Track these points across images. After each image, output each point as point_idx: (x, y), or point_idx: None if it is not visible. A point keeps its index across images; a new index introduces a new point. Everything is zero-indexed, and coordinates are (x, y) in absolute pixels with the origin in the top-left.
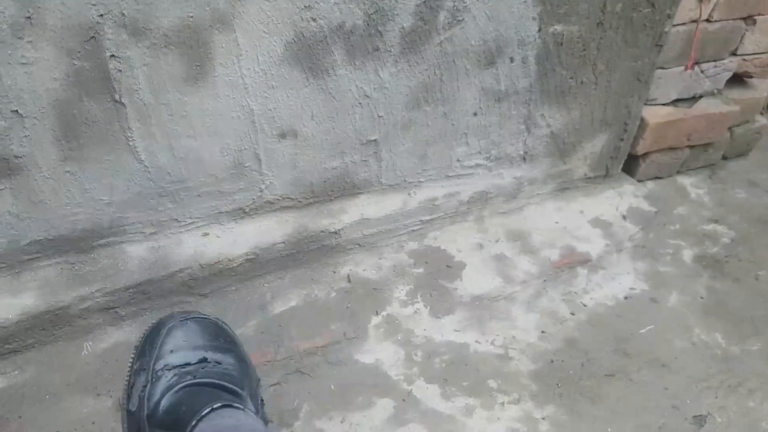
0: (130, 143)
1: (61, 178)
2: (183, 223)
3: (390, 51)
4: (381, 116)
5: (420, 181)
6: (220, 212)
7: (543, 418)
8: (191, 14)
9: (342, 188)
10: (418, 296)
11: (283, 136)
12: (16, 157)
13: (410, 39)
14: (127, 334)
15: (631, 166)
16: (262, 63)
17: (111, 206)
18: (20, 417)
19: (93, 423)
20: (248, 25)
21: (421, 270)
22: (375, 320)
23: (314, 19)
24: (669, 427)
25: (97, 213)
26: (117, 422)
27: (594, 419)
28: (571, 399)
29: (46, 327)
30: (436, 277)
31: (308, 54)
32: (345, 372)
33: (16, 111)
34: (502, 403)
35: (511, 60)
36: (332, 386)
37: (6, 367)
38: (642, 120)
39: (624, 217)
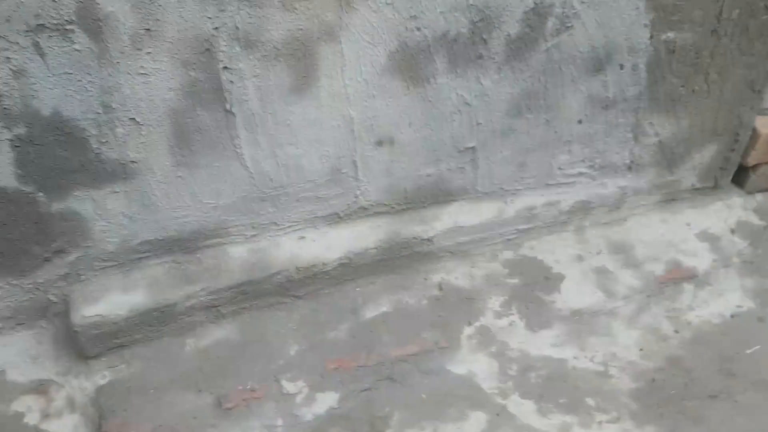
0: (238, 150)
1: (173, 183)
2: (281, 227)
3: (493, 58)
4: (480, 123)
5: (517, 189)
6: (317, 217)
7: None
8: (301, 26)
9: (436, 195)
10: (513, 308)
11: (380, 143)
12: (132, 162)
13: (515, 46)
14: (228, 332)
15: (740, 177)
16: (364, 73)
17: (217, 210)
18: (125, 410)
19: (194, 418)
20: (354, 36)
21: (516, 281)
22: (468, 330)
23: (419, 29)
24: None
25: (205, 216)
26: (217, 419)
27: None
28: (672, 419)
29: (153, 323)
30: (533, 288)
31: (410, 63)
32: (437, 382)
33: (134, 119)
34: (600, 422)
35: (621, 67)
36: (424, 395)
37: (114, 361)
38: (754, 130)
39: (732, 231)
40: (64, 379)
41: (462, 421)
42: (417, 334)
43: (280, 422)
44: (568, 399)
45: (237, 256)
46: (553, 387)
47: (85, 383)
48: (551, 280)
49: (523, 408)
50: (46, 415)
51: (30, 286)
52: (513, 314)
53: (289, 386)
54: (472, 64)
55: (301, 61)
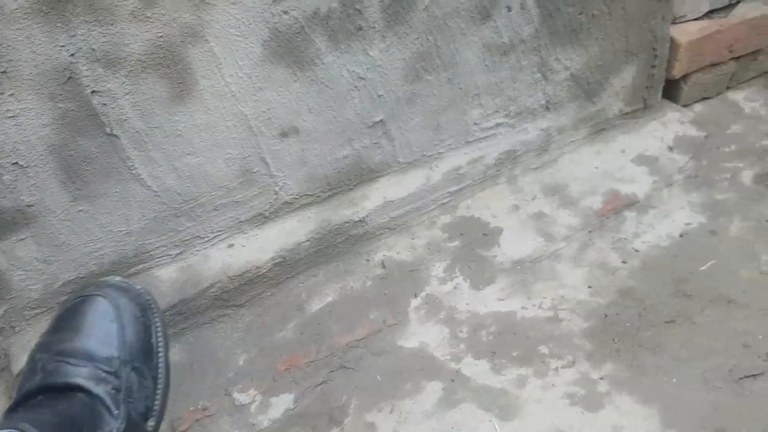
0: (133, 172)
1: (77, 218)
2: (206, 239)
3: (374, 27)
4: (381, 95)
5: (440, 153)
6: (241, 221)
7: (601, 378)
8: (160, 34)
9: (359, 175)
10: (457, 270)
11: (284, 135)
12: (29, 206)
13: (392, 11)
14: (171, 355)
15: (672, 91)
16: (243, 67)
17: (131, 235)
18: None
19: None
20: (220, 32)
21: (456, 243)
22: (414, 303)
23: (286, 12)
24: (741, 367)
25: (120, 244)
26: None
27: (657, 371)
28: (630, 353)
29: None
30: (473, 247)
31: (288, 48)
32: (390, 360)
33: (17, 163)
34: (556, 369)
35: (509, 9)
36: (378, 377)
37: None
38: (672, 41)
39: (670, 148)
40: None
41: (418, 393)
42: (365, 317)
43: None
44: (521, 351)
45: (166, 278)
46: (505, 341)
47: None
48: (490, 236)
49: (477, 368)
50: None
51: None
52: (457, 277)
53: (241, 397)
54: (354, 38)
55: (171, 68)
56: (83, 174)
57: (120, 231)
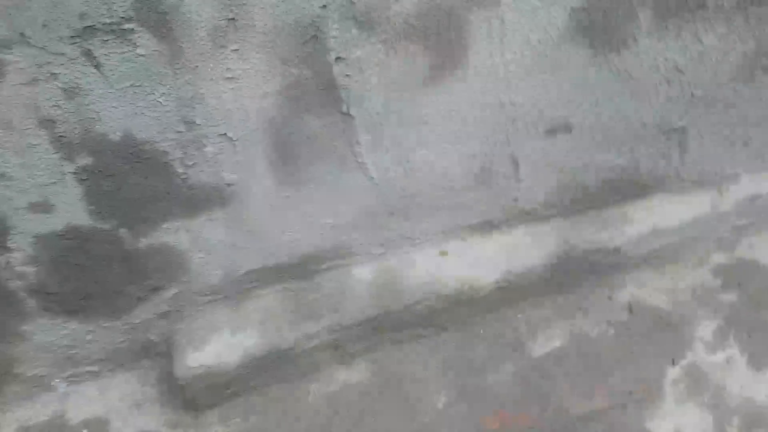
0: (359, 159)
1: (278, 204)
2: (416, 241)
3: (721, 5)
4: (695, 95)
5: (736, 174)
6: (461, 227)
7: None
8: None
9: (625, 190)
10: (731, 337)
11: (552, 132)
12: (228, 184)
13: None
14: (358, 374)
15: None
16: (534, 43)
17: (335, 229)
18: None
19: None
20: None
21: (732, 296)
22: (671, 372)
23: None
24: None
25: (321, 237)
26: None
27: None
28: None
29: (270, 368)
30: (757, 307)
31: (602, 23)
32: None
33: (225, 134)
34: None
35: None
36: None
37: (228, 414)
38: None
39: None
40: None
41: None
42: (603, 380)
43: None
44: None
45: (362, 278)
46: None
47: None
48: None
49: None
50: None
51: (126, 327)
52: (731, 346)
53: None
54: (689, 16)
55: (441, 36)
56: (299, 156)
57: (325, 223)
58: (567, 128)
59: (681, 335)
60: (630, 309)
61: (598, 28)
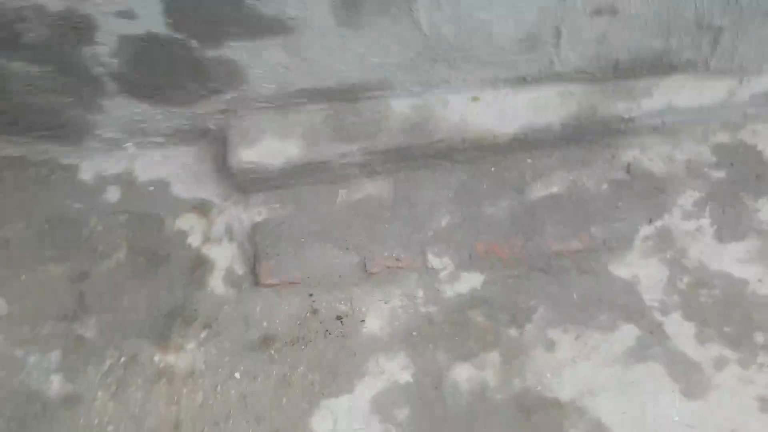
0: (413, 15)
1: (334, 41)
2: (453, 85)
3: None
4: (739, 1)
5: (760, 69)
6: (498, 78)
7: None
8: None
9: (654, 67)
10: (707, 209)
11: (598, 12)
12: (290, 18)
13: None
14: (380, 188)
15: None
16: None
17: (382, 67)
18: (278, 254)
19: (340, 276)
20: None
21: (721, 174)
22: (645, 230)
23: None
24: None
25: (367, 72)
26: (360, 280)
27: None
28: None
29: (307, 173)
30: (739, 187)
31: None
32: (594, 283)
33: None
34: (762, 365)
35: None
36: (575, 296)
37: (270, 199)
38: None
39: None
40: (223, 204)
41: (610, 331)
42: (586, 228)
43: (420, 294)
44: (735, 329)
45: (398, 111)
46: (722, 312)
47: (242, 215)
48: (765, 180)
49: (681, 330)
50: (207, 239)
51: (189, 114)
52: (704, 217)
53: (434, 261)
54: None
55: None
56: (360, 4)
57: (373, 61)
58: (613, 11)
59: (664, 200)
60: (628, 170)
61: None
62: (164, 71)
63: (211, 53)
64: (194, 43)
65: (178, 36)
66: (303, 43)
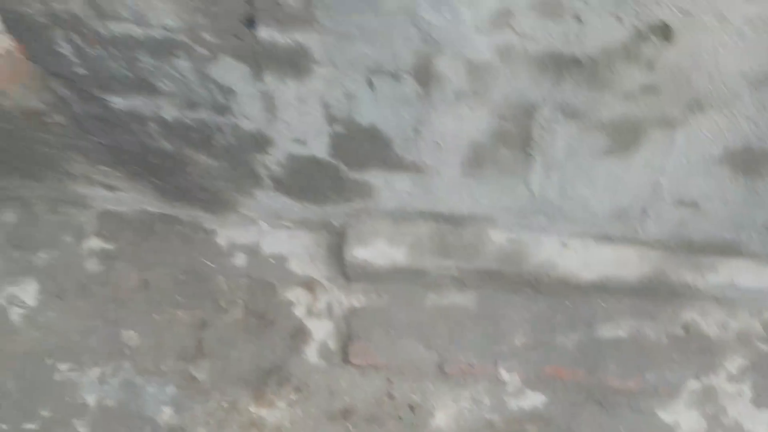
0: (527, 179)
1: (456, 185)
2: (547, 230)
3: None
4: None
5: None
6: (587, 233)
7: None
8: (637, 114)
9: (723, 250)
10: (748, 377)
11: (681, 203)
12: (425, 164)
13: None
14: (466, 300)
15: None
16: (692, 157)
17: (491, 208)
18: (369, 340)
19: (418, 370)
20: (693, 131)
21: (767, 347)
22: (692, 384)
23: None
24: None
25: (476, 208)
26: (436, 378)
27: None
28: None
29: (406, 276)
30: None
31: (749, 162)
32: (641, 422)
33: (437, 143)
34: None
35: None
36: (622, 430)
37: (369, 289)
38: None
39: None
40: (329, 285)
41: None
42: (641, 372)
43: (487, 401)
44: None
45: (496, 240)
46: None
47: (343, 298)
48: None
49: None
50: (309, 312)
51: (320, 211)
52: (745, 383)
53: (504, 374)
54: None
55: (624, 135)
56: (484, 166)
57: (484, 203)
58: (695, 206)
59: (713, 361)
60: (686, 329)
61: (745, 164)
62: (314, 182)
63: (353, 176)
64: (343, 166)
65: (333, 161)
66: (429, 181)
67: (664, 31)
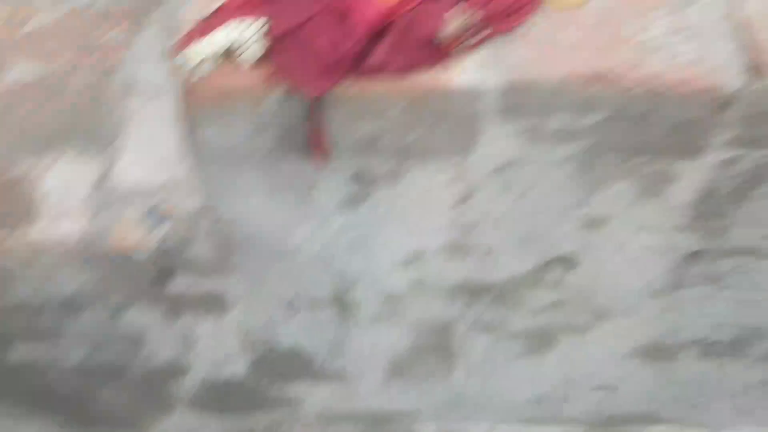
0: (448, 380)
1: (382, 386)
2: (475, 418)
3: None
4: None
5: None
6: (512, 418)
7: None
8: (548, 324)
9: (640, 418)
10: None
11: (598, 388)
12: (349, 372)
13: None
14: None
15: None
16: (603, 355)
17: (416, 405)
18: None
19: None
20: (604, 335)
21: None
22: None
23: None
24: None
25: (401, 405)
26: None
27: None
28: None
29: None
30: None
31: (658, 355)
32: None
33: (356, 360)
34: None
35: None
36: None
37: None
38: None
39: None
40: None
41: None
42: None
43: None
44: None
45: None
46: None
47: None
48: None
49: None
50: None
51: (240, 423)
52: None
53: None
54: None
55: (537, 341)
56: (410, 373)
57: (410, 401)
58: (611, 388)
59: None
60: None
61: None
62: (233, 399)
63: (276, 391)
64: (265, 383)
65: (253, 380)
66: (354, 387)
67: (568, 262)
